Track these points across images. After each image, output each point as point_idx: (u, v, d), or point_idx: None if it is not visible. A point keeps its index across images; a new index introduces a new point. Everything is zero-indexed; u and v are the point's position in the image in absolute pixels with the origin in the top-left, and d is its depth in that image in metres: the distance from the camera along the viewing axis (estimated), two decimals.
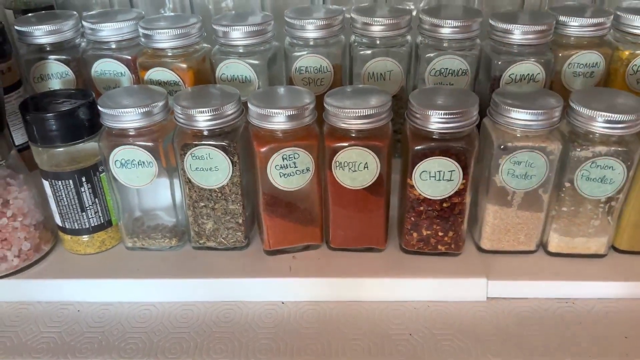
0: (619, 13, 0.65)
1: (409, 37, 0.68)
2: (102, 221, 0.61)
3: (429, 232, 0.58)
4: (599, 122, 0.52)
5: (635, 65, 0.64)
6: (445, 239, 0.58)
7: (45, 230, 0.61)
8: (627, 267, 0.59)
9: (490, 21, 0.64)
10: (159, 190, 0.59)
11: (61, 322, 0.57)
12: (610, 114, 0.51)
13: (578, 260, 0.59)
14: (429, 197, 0.55)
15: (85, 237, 0.61)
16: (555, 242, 0.59)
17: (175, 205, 0.60)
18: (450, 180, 0.54)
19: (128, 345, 0.54)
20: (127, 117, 0.54)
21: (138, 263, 0.61)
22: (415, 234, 0.58)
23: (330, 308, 0.57)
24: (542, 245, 0.61)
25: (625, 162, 0.53)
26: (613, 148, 0.53)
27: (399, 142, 0.67)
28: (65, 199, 0.58)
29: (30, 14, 0.73)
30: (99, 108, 0.55)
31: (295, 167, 0.55)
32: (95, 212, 0.60)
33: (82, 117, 0.56)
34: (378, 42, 0.67)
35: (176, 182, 0.58)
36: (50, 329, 0.56)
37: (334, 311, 0.57)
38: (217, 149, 0.54)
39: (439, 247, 0.59)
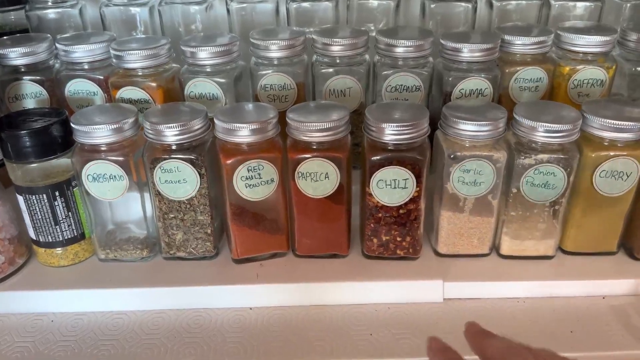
0: (559, 32, 0.69)
1: (367, 56, 0.71)
2: (76, 234, 0.63)
3: (388, 238, 0.61)
4: (540, 132, 0.56)
5: (576, 80, 0.68)
6: (404, 243, 0.61)
7: (20, 244, 0.63)
8: (573, 268, 0.62)
9: (441, 40, 0.67)
10: (130, 203, 0.61)
11: (35, 332, 0.58)
12: (550, 124, 0.55)
13: (528, 261, 0.63)
14: (386, 204, 0.58)
15: (58, 250, 0.62)
16: (507, 245, 0.62)
17: (146, 217, 0.62)
18: (404, 187, 0.57)
19: (100, 352, 0.56)
20: (99, 133, 0.56)
21: (110, 274, 0.62)
22: (375, 240, 0.61)
23: (296, 312, 0.60)
24: (495, 248, 0.64)
25: (565, 168, 0.57)
26: (554, 155, 0.56)
27: (360, 155, 0.70)
28: (39, 213, 0.60)
29: (5, 37, 0.74)
30: (72, 125, 0.56)
31: (260, 178, 0.57)
32: (68, 226, 0.62)
33: (55, 134, 0.58)
34: (338, 61, 0.70)
35: (146, 195, 0.60)
36: (25, 339, 0.57)
37: (299, 315, 0.59)
38: (185, 162, 0.57)
39: (398, 251, 0.62)
